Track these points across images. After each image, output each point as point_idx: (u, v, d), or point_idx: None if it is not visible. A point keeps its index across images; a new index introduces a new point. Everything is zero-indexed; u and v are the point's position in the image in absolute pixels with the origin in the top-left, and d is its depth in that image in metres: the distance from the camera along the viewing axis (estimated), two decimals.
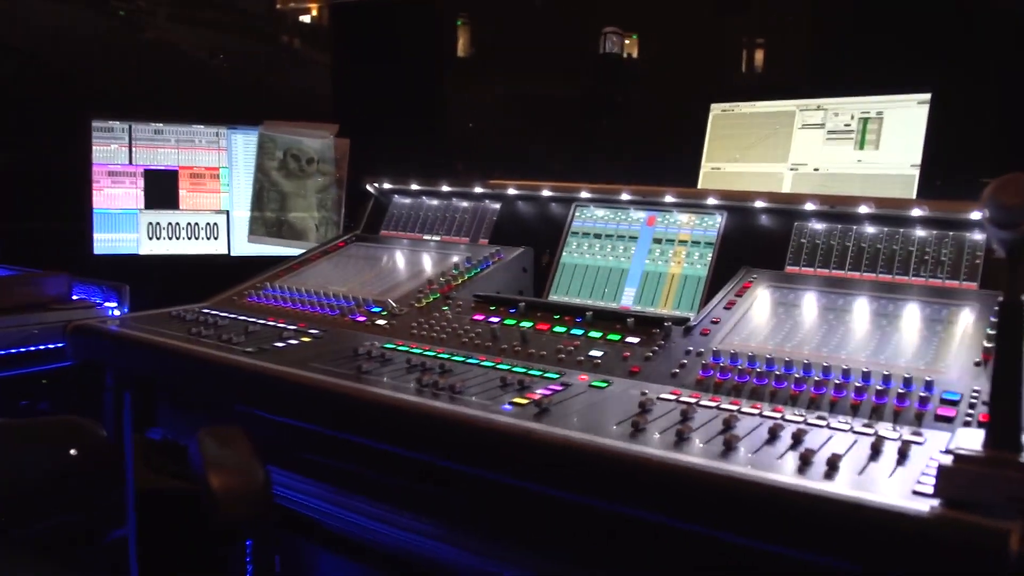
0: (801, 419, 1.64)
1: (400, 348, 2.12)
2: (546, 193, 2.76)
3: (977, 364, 1.80)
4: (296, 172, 3.30)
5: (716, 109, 2.77)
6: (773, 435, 1.55)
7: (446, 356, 2.05)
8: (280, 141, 3.30)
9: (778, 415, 1.67)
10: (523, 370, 1.94)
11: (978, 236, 2.17)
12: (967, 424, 1.62)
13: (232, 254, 3.36)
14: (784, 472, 1.41)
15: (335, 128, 3.32)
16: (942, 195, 2.25)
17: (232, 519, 1.58)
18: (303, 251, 2.96)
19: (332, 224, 3.36)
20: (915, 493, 1.34)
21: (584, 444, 1.53)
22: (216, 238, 3.32)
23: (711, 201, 2.48)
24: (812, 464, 1.43)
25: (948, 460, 1.34)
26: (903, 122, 2.42)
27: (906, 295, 2.11)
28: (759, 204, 2.42)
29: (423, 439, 1.72)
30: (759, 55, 2.87)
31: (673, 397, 1.77)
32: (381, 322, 2.33)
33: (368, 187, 3.08)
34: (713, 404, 1.73)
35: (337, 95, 3.48)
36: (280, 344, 2.15)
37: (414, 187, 3.02)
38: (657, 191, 2.57)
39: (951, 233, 2.20)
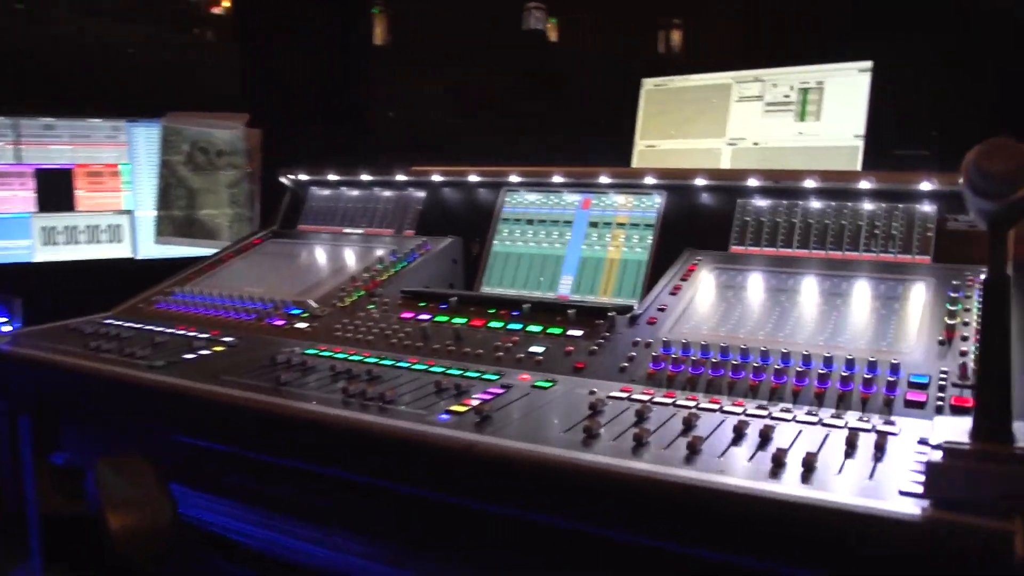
0: (765, 413, 1.49)
1: (323, 354, 1.90)
2: (473, 179, 2.56)
3: (941, 343, 1.66)
4: (204, 166, 3.04)
5: (648, 84, 2.60)
6: (739, 434, 1.39)
7: (373, 361, 1.84)
8: (186, 133, 3.03)
9: (740, 410, 1.51)
10: (459, 372, 1.75)
11: (928, 208, 2.05)
12: (939, 410, 1.49)
13: (138, 258, 3.06)
14: (757, 477, 1.24)
15: (245, 118, 3.06)
16: (888, 166, 2.13)
17: (130, 560, 1.37)
18: (215, 251, 2.72)
19: (246, 221, 3.11)
20: (903, 494, 1.19)
21: (531, 455, 1.35)
22: (119, 241, 3.03)
23: (649, 180, 2.31)
24: (785, 466, 1.27)
25: (937, 456, 1.19)
26: (845, 92, 2.28)
27: (858, 272, 1.98)
28: (699, 182, 2.26)
29: (351, 456, 1.52)
30: (692, 27, 2.71)
31: (624, 395, 1.60)
32: (301, 325, 2.11)
33: (283, 179, 2.85)
34: (669, 401, 1.56)
35: (247, 85, 3.22)
36: (190, 356, 1.91)
37: (332, 178, 2.80)
38: (591, 172, 2.40)
39: (900, 206, 2.07)
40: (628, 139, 2.64)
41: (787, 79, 2.37)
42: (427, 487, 1.44)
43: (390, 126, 3.19)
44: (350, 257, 2.52)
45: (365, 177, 2.73)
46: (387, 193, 2.72)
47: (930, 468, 1.18)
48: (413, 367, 1.79)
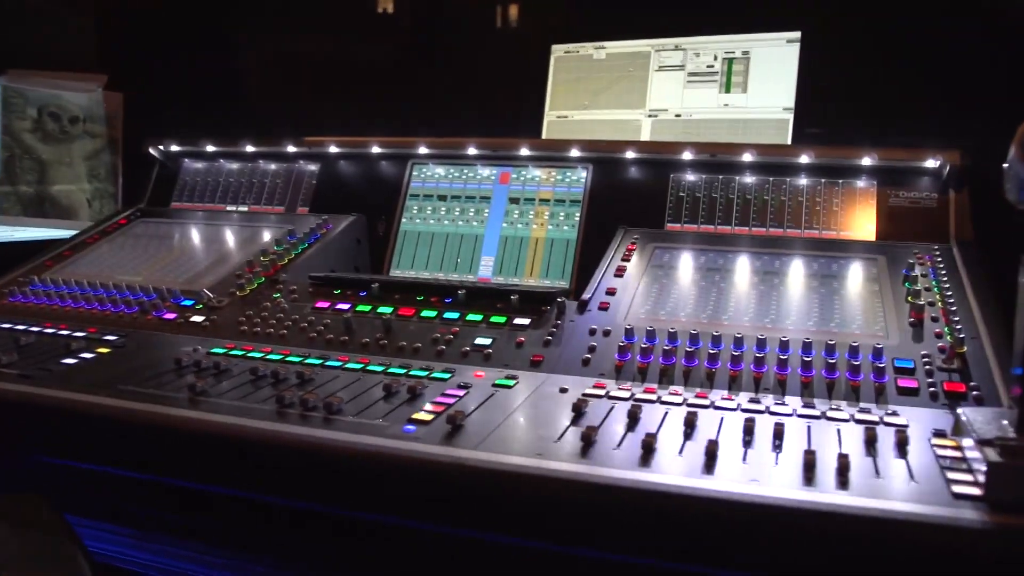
0: (762, 407, 1.32)
1: (234, 353, 1.59)
2: (376, 150, 2.27)
3: (912, 324, 1.55)
4: (56, 135, 2.58)
5: (558, 51, 2.39)
6: (749, 433, 1.22)
7: (297, 360, 1.55)
8: (32, 96, 2.56)
9: (733, 404, 1.34)
10: (401, 371, 1.49)
11: (863, 183, 1.94)
12: (934, 397, 1.37)
13: None
14: (791, 485, 1.07)
15: (103, 79, 2.62)
16: (818, 140, 2.01)
17: None
18: (74, 233, 2.31)
19: (108, 197, 2.68)
20: (958, 496, 1.04)
21: (532, 472, 1.12)
22: None
23: (574, 153, 2.11)
24: (817, 470, 1.10)
25: (994, 455, 1.06)
26: (772, 63, 2.15)
27: (803, 250, 1.85)
28: (630, 155, 2.07)
29: (296, 480, 1.24)
30: None
31: (600, 392, 1.39)
32: (198, 319, 1.78)
33: (151, 150, 2.45)
34: (652, 397, 1.37)
35: (103, 41, 2.77)
36: (70, 360, 1.55)
37: (210, 149, 2.43)
38: (509, 143, 2.17)
39: (840, 181, 1.96)
40: (534, 110, 2.42)
41: (711, 48, 2.21)
42: (403, 515, 1.18)
43: (265, 96, 2.82)
44: (239, 238, 2.18)
45: (249, 148, 2.39)
46: (274, 166, 2.39)
47: (992, 468, 1.04)
48: (346, 366, 1.52)
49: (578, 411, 1.29)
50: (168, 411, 1.32)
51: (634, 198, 2.06)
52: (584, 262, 2.00)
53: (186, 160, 2.48)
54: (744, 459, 1.15)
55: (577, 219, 2.05)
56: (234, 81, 2.88)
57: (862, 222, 1.91)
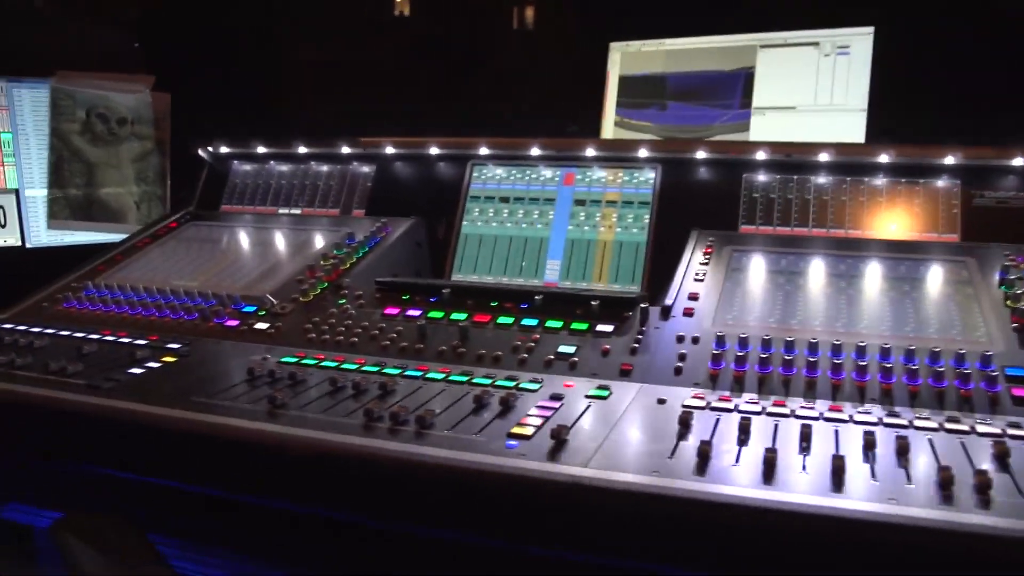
0: (874, 419, 1.24)
1: (306, 362, 1.52)
2: (434, 151, 2.19)
3: (1017, 330, 1.46)
4: (104, 136, 2.51)
5: (619, 50, 2.31)
6: (871, 448, 1.13)
7: (374, 369, 1.47)
8: (80, 98, 2.49)
9: (843, 415, 1.25)
10: (486, 381, 1.41)
11: (944, 183, 1.85)
12: None
13: (28, 246, 2.47)
14: (929, 504, 0.99)
15: (150, 80, 2.55)
16: (897, 139, 1.92)
17: None
18: (123, 236, 2.24)
19: (156, 200, 2.60)
20: None
21: (658, 492, 1.04)
22: (4, 226, 2.45)
23: (642, 153, 2.03)
24: (954, 488, 1.02)
25: None
26: (848, 63, 2.06)
27: (886, 252, 1.76)
28: (700, 155, 1.99)
29: (399, 501, 1.16)
30: None
31: (701, 403, 1.31)
32: (262, 325, 1.71)
33: (200, 152, 2.38)
34: (756, 408, 1.28)
35: (148, 41, 2.69)
36: (136, 370, 1.47)
37: (260, 150, 2.36)
38: (574, 143, 2.09)
39: (921, 181, 1.88)
40: (590, 112, 2.34)
41: (779, 43, 2.13)
42: (505, 538, 1.10)
43: (315, 97, 2.73)
44: (293, 242, 2.11)
45: (301, 149, 2.31)
46: (327, 168, 2.31)
47: None
48: (427, 376, 1.44)
49: (685, 424, 1.21)
50: (249, 425, 1.24)
51: (705, 199, 1.97)
52: (656, 266, 1.91)
53: (235, 162, 2.41)
54: (873, 475, 1.06)
55: (646, 221, 1.97)
56: (282, 82, 2.81)
57: (945, 223, 1.82)
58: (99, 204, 2.54)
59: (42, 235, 2.50)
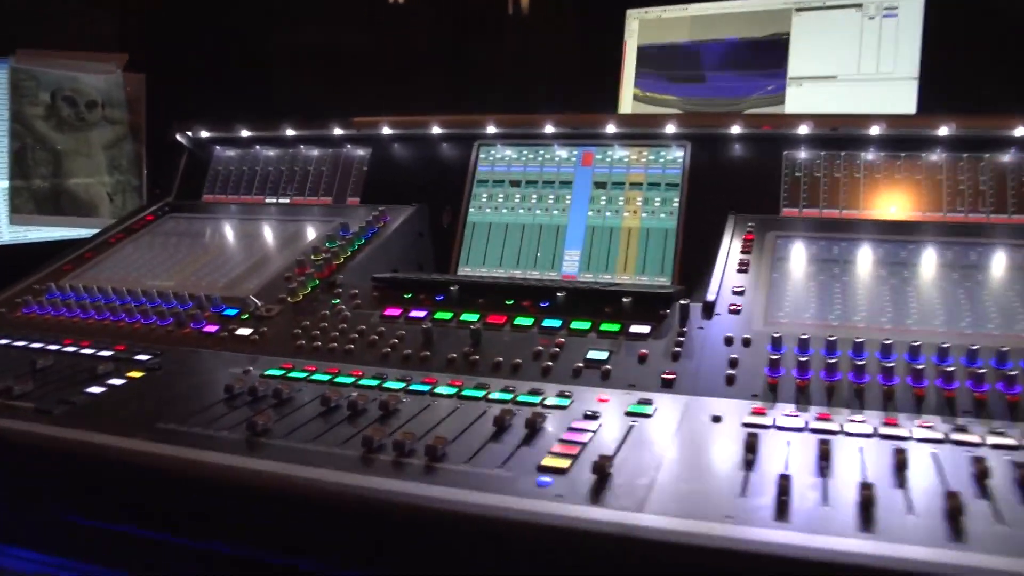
0: (977, 440, 1.02)
1: (294, 375, 1.29)
2: (435, 131, 1.96)
3: None
4: (72, 121, 2.26)
5: (636, 18, 2.07)
6: (984, 478, 0.91)
7: (374, 383, 1.24)
8: (45, 79, 2.24)
9: (937, 434, 1.03)
10: (506, 396, 1.18)
11: (1011, 157, 1.63)
12: None
13: None
14: None
15: (123, 59, 2.30)
16: (955, 109, 1.69)
17: None
18: (94, 231, 2.01)
19: (132, 191, 2.36)
20: None
21: (756, 549, 0.81)
22: None
23: (670, 130, 1.80)
24: None
25: None
26: (896, 27, 1.83)
27: (955, 237, 1.54)
28: (736, 130, 1.76)
29: (403, 554, 0.94)
30: None
31: (764, 420, 1.08)
32: (244, 331, 1.48)
33: (178, 137, 2.15)
34: (833, 426, 1.06)
35: (122, 18, 2.43)
36: (96, 389, 1.24)
37: (245, 134, 2.12)
38: (592, 120, 1.85)
39: (987, 156, 1.65)
40: (602, 85, 2.11)
41: (813, 7, 1.90)
42: None
43: (304, 76, 2.47)
44: (282, 235, 1.87)
45: (289, 132, 2.07)
46: (317, 152, 2.08)
47: None
48: (436, 391, 1.21)
49: (751, 449, 0.99)
50: (222, 459, 1.01)
51: (741, 180, 1.74)
52: (688, 256, 1.69)
53: (218, 147, 2.17)
54: (999, 519, 0.84)
55: (675, 205, 1.74)
56: (267, 59, 2.56)
57: (1017, 202, 1.59)
58: (67, 196, 2.29)
59: (3, 231, 2.26)
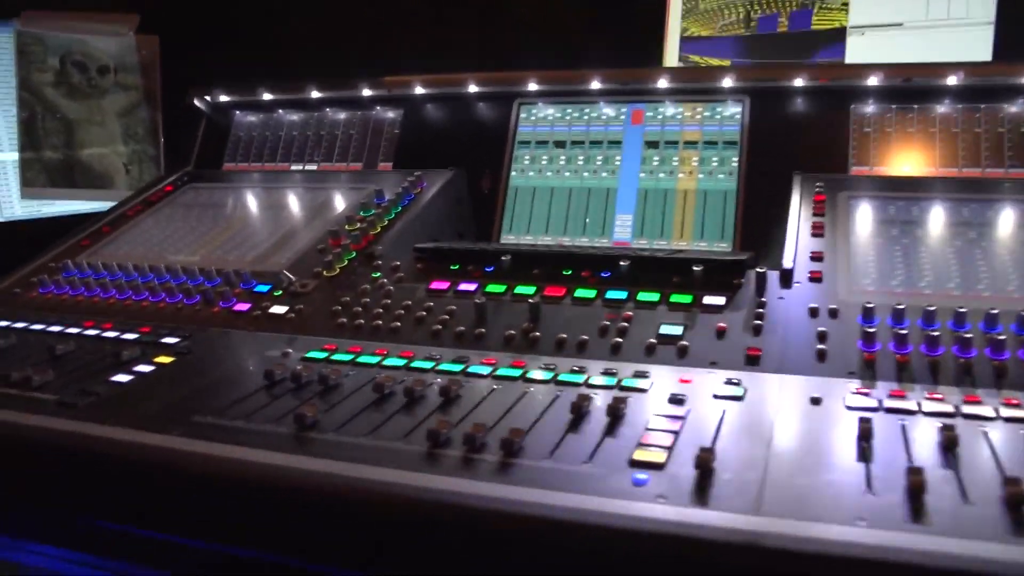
0: None
1: (338, 357, 1.17)
2: (472, 89, 1.83)
3: None
4: (84, 88, 2.12)
5: None
6: None
7: (427, 365, 1.13)
8: (52, 42, 2.10)
9: None
10: (577, 378, 1.07)
11: None
12: None
13: (0, 219, 2.12)
14: None
15: (135, 20, 2.17)
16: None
17: None
18: (111, 204, 1.89)
19: (149, 160, 2.24)
20: None
21: (899, 558, 0.70)
22: None
23: (727, 83, 1.66)
24: None
25: None
26: None
27: None
28: (798, 83, 1.63)
29: (488, 567, 0.83)
30: None
31: (869, 401, 0.97)
32: (279, 309, 1.36)
33: (196, 102, 2.02)
34: (948, 408, 0.94)
35: None
36: (122, 378, 1.13)
37: (267, 97, 1.99)
38: (642, 74, 1.72)
39: None
40: (645, 33, 1.97)
41: None
42: None
43: (325, 34, 2.31)
44: (311, 204, 1.75)
45: (315, 94, 1.94)
46: (344, 115, 1.95)
47: None
48: (498, 373, 1.10)
49: (866, 437, 0.87)
50: (269, 458, 0.90)
51: (805, 137, 1.62)
52: (749, 219, 1.57)
53: (238, 112, 2.04)
54: None
55: (734, 165, 1.61)
56: (289, 17, 2.41)
57: None
58: (81, 168, 2.17)
59: (15, 206, 2.15)
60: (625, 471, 0.83)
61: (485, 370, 1.10)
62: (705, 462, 0.82)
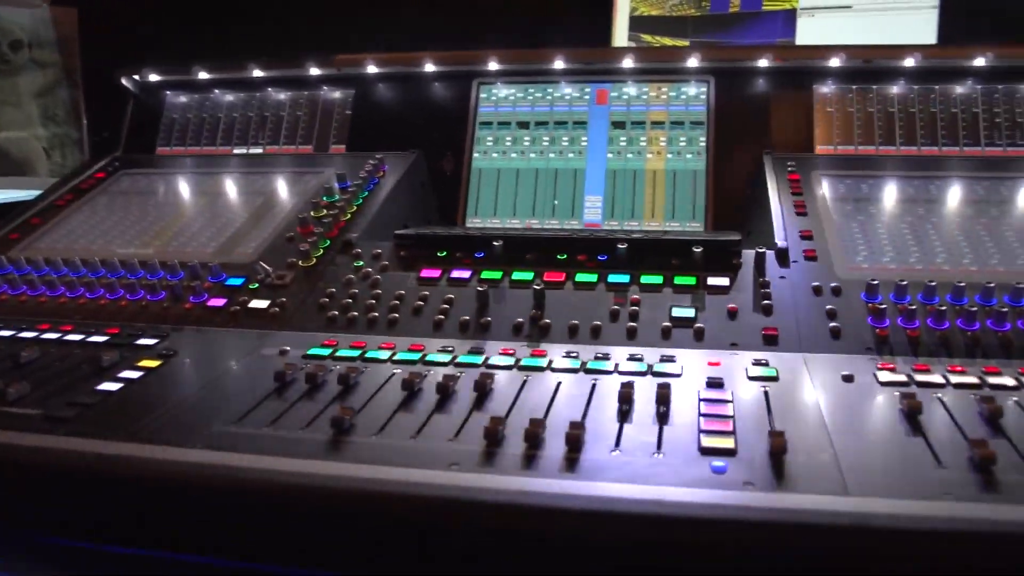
0: None
1: (343, 353, 1.11)
2: (429, 68, 1.78)
3: None
4: None
5: None
6: None
7: (443, 358, 1.08)
8: None
9: None
10: (604, 365, 1.05)
11: None
12: None
13: None
14: None
15: None
16: (989, 39, 1.63)
17: None
18: (34, 193, 1.75)
19: (71, 144, 2.06)
20: None
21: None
22: None
23: (692, 64, 1.67)
24: None
25: None
26: None
27: (1003, 171, 1.48)
28: (763, 63, 1.65)
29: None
30: None
31: (897, 376, 0.99)
32: (259, 303, 1.29)
33: (124, 81, 1.89)
34: (974, 380, 0.97)
35: None
36: (110, 386, 1.02)
37: (203, 76, 1.88)
38: (605, 54, 1.71)
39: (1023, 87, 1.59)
40: (592, 12, 1.96)
41: None
42: None
43: (262, 9, 2.17)
44: (264, 190, 1.66)
45: (257, 73, 1.85)
46: (289, 95, 1.86)
47: None
48: (523, 364, 1.07)
49: (911, 415, 0.89)
50: (309, 468, 0.84)
51: (770, 116, 1.64)
52: (719, 199, 1.58)
53: (169, 92, 1.91)
54: None
55: (702, 144, 1.62)
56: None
57: None
58: None
59: None
60: (699, 459, 0.82)
61: (508, 360, 1.07)
62: (780, 446, 0.81)
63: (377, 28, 1.90)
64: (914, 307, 1.11)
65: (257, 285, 1.33)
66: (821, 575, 0.71)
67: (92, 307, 1.32)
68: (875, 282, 1.16)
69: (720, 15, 1.80)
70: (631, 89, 1.68)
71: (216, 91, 1.88)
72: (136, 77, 1.88)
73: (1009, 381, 0.97)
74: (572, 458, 0.83)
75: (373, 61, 1.77)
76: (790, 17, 1.77)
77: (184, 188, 1.71)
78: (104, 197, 1.70)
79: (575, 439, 0.84)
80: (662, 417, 0.91)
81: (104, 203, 1.68)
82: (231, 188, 1.68)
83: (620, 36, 1.90)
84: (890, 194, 1.44)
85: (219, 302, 1.30)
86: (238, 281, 1.34)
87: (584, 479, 0.79)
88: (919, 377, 0.99)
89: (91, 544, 0.90)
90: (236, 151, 1.82)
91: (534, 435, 0.85)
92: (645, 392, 0.96)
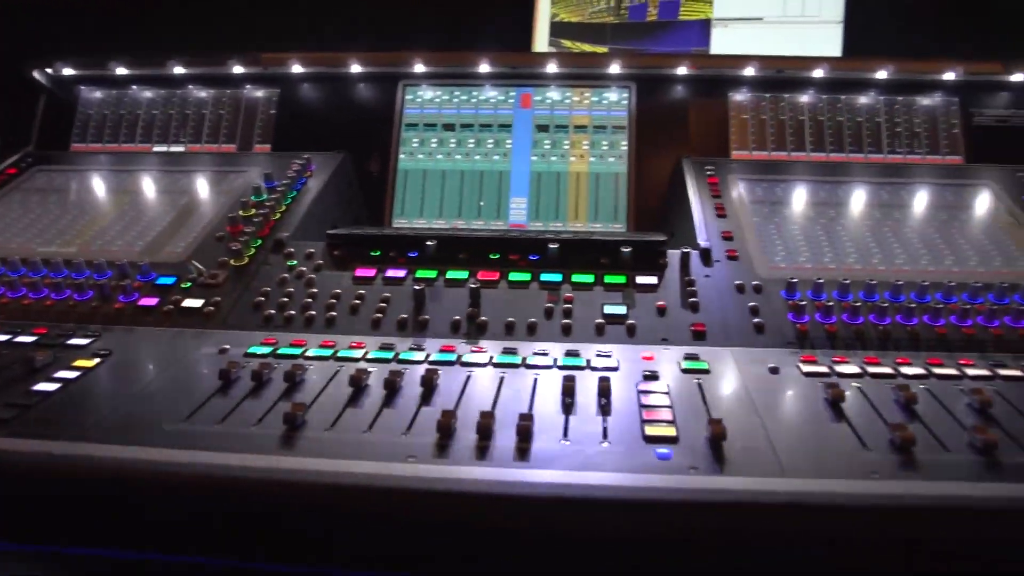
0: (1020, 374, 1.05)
1: (285, 351, 1.11)
2: (355, 69, 1.78)
3: None
4: None
5: None
6: None
7: (386, 355, 1.09)
8: None
9: (983, 371, 1.05)
10: (545, 360, 1.09)
11: (947, 101, 1.69)
12: None
13: None
14: None
15: None
16: (890, 52, 1.73)
17: None
18: None
19: None
20: None
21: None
22: None
23: (614, 70, 1.72)
24: None
25: None
26: None
27: (905, 177, 1.59)
28: (682, 71, 1.72)
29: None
30: None
31: (822, 369, 1.06)
32: (193, 303, 1.27)
33: (35, 75, 1.83)
34: (888, 370, 1.05)
35: None
36: (47, 387, 1.00)
37: (121, 71, 1.84)
38: (532, 59, 1.75)
39: (922, 100, 1.70)
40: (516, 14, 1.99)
41: None
42: None
43: (174, 5, 2.11)
44: (189, 189, 1.63)
45: (178, 70, 1.82)
46: (211, 93, 1.84)
47: None
48: (464, 360, 1.09)
49: (837, 401, 0.96)
50: (272, 463, 0.85)
51: (689, 122, 1.71)
52: (642, 201, 1.65)
53: (84, 87, 1.86)
54: None
55: (624, 148, 1.68)
56: None
57: (949, 143, 1.66)
58: None
59: None
60: (644, 447, 0.87)
61: (449, 357, 1.09)
62: (720, 433, 0.87)
63: (305, 26, 1.88)
64: (831, 304, 1.19)
65: (190, 284, 1.32)
66: (765, 550, 0.76)
67: (15, 307, 1.29)
68: (794, 280, 1.23)
69: (638, 23, 1.87)
70: (555, 94, 1.72)
71: (135, 87, 1.85)
72: (49, 71, 1.83)
73: (919, 371, 1.05)
74: (523, 448, 0.87)
75: (298, 60, 1.77)
76: (705, 27, 1.84)
77: (104, 186, 1.67)
78: (18, 194, 1.65)
79: (526, 430, 0.88)
80: (604, 409, 0.95)
81: (18, 200, 1.63)
82: (153, 186, 1.65)
83: (541, 41, 1.94)
84: (803, 197, 1.52)
85: (151, 301, 1.28)
86: (169, 280, 1.33)
87: (538, 467, 0.83)
88: (839, 368, 1.06)
89: (46, 546, 0.88)
90: (156, 148, 1.79)
91: (486, 427, 0.88)
92: (586, 385, 1.00)
